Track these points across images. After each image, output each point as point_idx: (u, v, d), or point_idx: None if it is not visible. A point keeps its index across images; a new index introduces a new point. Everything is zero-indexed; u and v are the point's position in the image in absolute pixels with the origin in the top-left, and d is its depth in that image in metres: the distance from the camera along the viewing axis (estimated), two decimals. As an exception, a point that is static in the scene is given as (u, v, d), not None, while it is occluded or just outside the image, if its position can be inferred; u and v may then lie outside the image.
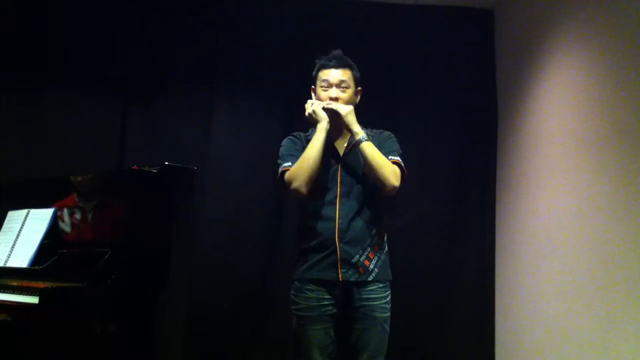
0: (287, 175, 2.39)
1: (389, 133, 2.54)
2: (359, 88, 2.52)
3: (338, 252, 2.35)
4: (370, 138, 2.39)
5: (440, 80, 3.89)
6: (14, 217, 2.87)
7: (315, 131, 2.40)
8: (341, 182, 2.41)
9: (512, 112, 3.66)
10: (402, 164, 2.42)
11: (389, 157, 2.39)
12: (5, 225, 2.88)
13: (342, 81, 2.45)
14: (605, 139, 2.59)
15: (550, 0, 3.20)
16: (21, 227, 2.79)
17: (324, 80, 2.46)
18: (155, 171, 2.67)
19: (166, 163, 2.69)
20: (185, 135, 3.72)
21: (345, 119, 2.39)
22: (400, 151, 2.47)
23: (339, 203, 2.38)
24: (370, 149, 2.35)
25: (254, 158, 3.72)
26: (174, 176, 2.75)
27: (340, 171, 2.43)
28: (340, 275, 2.35)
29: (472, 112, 3.89)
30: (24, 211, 2.84)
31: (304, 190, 2.34)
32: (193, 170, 2.84)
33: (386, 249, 2.48)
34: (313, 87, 2.53)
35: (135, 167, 2.76)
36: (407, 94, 3.87)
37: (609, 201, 2.53)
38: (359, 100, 2.53)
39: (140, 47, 3.72)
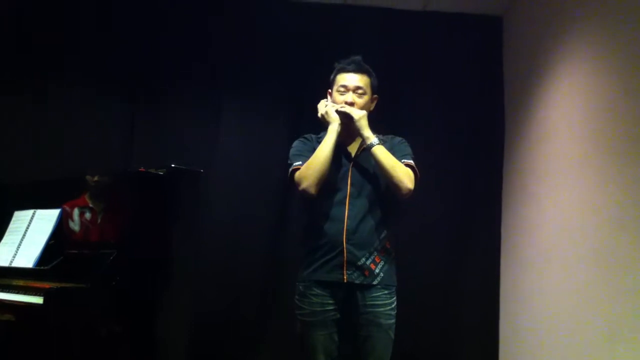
0: (296, 175, 2.39)
1: (401, 138, 2.53)
2: (375, 96, 2.52)
3: (345, 254, 2.34)
4: (382, 143, 2.39)
5: (447, 87, 3.88)
6: (20, 217, 2.87)
7: (326, 133, 2.41)
8: (351, 184, 2.40)
9: (519, 118, 3.65)
10: (415, 167, 2.42)
11: (402, 161, 2.39)
12: (12, 225, 2.88)
13: (359, 87, 2.45)
14: (611, 146, 2.58)
15: (558, 8, 3.21)
16: (27, 227, 2.78)
17: (341, 85, 2.46)
18: (162, 173, 2.68)
19: (173, 165, 2.70)
20: (192, 138, 3.71)
21: (358, 123, 2.39)
22: (413, 155, 2.47)
23: (348, 204, 2.37)
24: (382, 152, 2.35)
25: (261, 160, 3.73)
26: (181, 178, 2.76)
27: (351, 173, 2.42)
28: (345, 277, 2.34)
29: (480, 119, 3.88)
30: (30, 211, 2.84)
31: (312, 190, 2.34)
32: (199, 172, 2.85)
33: (393, 254, 2.47)
34: (330, 90, 2.53)
35: (142, 169, 2.76)
36: (413, 100, 3.86)
37: (614, 207, 2.52)
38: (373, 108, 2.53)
39: (148, 49, 3.73)
